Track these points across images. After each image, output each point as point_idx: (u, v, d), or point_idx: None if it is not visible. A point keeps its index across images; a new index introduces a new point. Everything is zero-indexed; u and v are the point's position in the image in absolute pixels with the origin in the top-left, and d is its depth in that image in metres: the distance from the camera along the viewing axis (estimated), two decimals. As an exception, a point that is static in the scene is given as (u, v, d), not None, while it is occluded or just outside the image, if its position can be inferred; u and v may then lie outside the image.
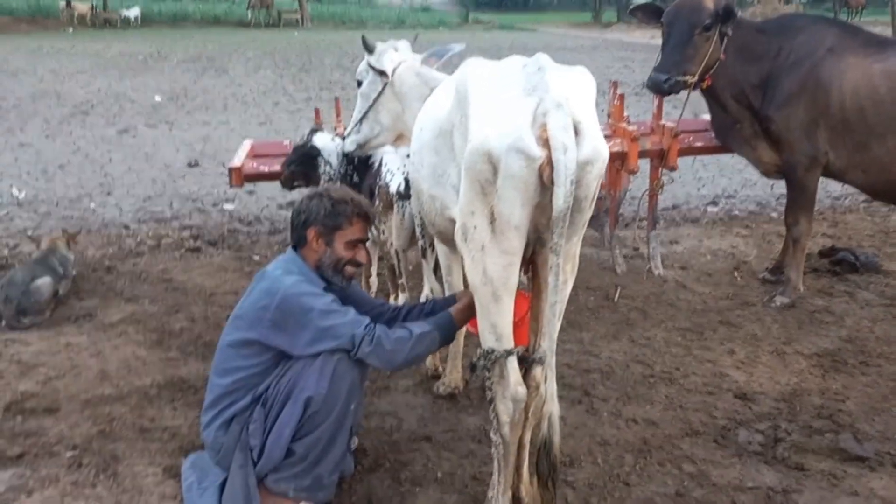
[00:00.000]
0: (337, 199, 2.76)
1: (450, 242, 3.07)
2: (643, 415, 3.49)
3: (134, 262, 5.46)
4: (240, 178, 4.42)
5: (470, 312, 2.69)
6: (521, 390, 2.50)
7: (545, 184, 2.31)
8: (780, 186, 5.65)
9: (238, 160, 4.50)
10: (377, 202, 3.71)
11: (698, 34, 4.21)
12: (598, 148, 2.34)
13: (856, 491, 2.92)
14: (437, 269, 3.70)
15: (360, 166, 4.01)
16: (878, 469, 3.06)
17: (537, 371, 2.56)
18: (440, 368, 3.77)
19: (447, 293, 3.41)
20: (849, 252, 5.27)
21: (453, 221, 2.69)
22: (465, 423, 3.40)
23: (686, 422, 3.42)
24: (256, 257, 5.60)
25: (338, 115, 5.06)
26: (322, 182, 4.04)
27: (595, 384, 3.77)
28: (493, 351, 2.50)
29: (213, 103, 13.26)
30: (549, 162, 2.26)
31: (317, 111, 5.05)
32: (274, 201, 7.27)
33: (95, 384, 3.71)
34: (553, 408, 2.48)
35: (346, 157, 4.00)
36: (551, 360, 2.45)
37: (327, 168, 4.03)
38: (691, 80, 4.32)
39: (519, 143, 2.27)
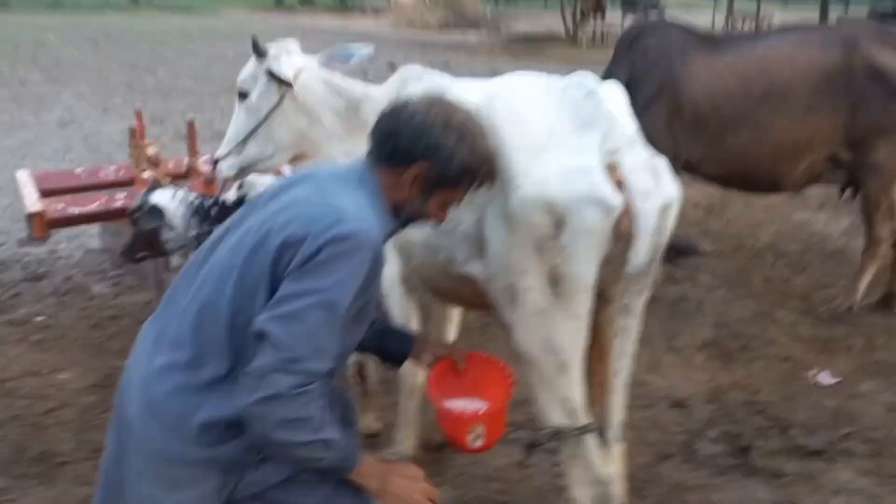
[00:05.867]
0: (477, 150, 1.76)
1: (449, 298, 2.54)
2: (600, 444, 3.26)
3: None
4: (44, 227, 3.34)
5: None
6: (607, 472, 2.11)
7: (619, 235, 1.94)
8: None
9: (34, 203, 3.39)
10: None
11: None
12: (676, 188, 2.02)
13: (836, 489, 2.98)
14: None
15: (230, 211, 3.19)
16: (838, 460, 3.16)
17: (616, 450, 2.19)
18: (373, 428, 3.21)
19: None
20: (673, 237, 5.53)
21: (466, 279, 2.21)
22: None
23: (648, 443, 3.26)
24: (40, 318, 4.39)
25: (141, 133, 4.08)
26: (168, 249, 3.16)
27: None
28: (561, 430, 2.08)
29: None
30: (628, 211, 1.90)
31: (138, 115, 3.96)
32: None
33: None
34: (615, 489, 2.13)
35: (200, 213, 3.15)
36: (614, 434, 2.09)
37: (170, 234, 3.13)
38: None
39: (595, 192, 1.90)
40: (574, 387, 2.09)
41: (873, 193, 4.26)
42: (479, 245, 2.14)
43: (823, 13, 26.99)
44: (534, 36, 22.54)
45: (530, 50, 19.20)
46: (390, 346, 2.05)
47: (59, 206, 3.43)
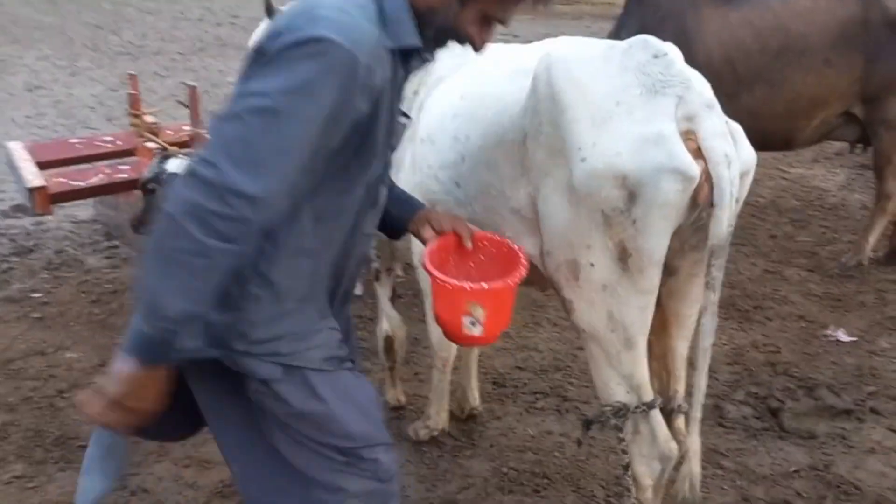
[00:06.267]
0: None
1: None
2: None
3: None
4: (46, 201, 3.17)
5: None
6: (673, 447, 2.06)
7: (695, 205, 1.86)
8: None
9: (35, 176, 3.22)
10: None
11: None
12: (752, 153, 1.94)
13: (868, 448, 2.99)
14: (394, 297, 3.02)
15: None
16: (867, 419, 3.17)
17: (679, 422, 2.14)
18: (401, 400, 3.16)
19: (429, 317, 2.79)
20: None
21: None
22: (481, 474, 2.85)
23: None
24: (37, 294, 4.22)
25: (135, 96, 3.88)
26: None
27: (537, 378, 3.42)
28: (624, 405, 2.02)
29: None
30: (708, 179, 1.81)
31: (133, 77, 3.75)
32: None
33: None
34: (695, 468, 2.08)
35: None
36: (697, 412, 2.03)
37: None
38: None
39: (674, 162, 1.78)
40: (639, 363, 2.01)
41: (886, 149, 4.24)
42: (531, 221, 2.05)
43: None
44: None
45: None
46: (391, 210, 1.80)
47: (61, 180, 3.26)
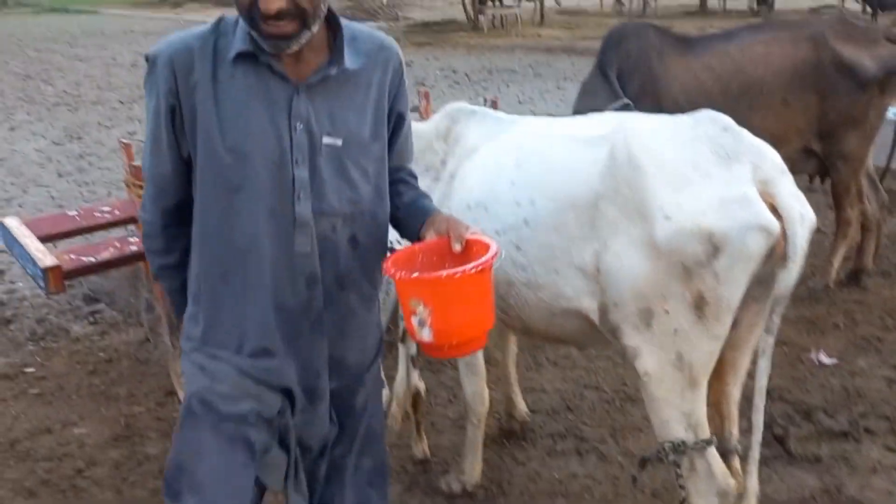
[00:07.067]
0: None
1: (545, 336, 2.58)
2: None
3: None
4: (60, 280, 3.14)
5: None
6: (731, 482, 2.22)
7: (769, 259, 2.08)
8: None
9: (45, 255, 3.19)
10: None
11: None
12: (813, 214, 2.15)
13: (871, 468, 3.20)
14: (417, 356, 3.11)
15: None
16: (863, 439, 3.37)
17: (734, 463, 2.29)
18: (427, 453, 3.24)
19: (465, 373, 2.91)
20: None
21: (572, 313, 2.27)
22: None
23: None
24: (31, 369, 4.12)
25: (137, 168, 3.84)
26: None
27: (551, 420, 3.54)
28: (683, 442, 2.18)
29: None
30: (783, 236, 2.04)
31: (127, 147, 3.72)
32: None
33: None
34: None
35: None
36: (755, 452, 2.19)
37: None
38: None
39: (759, 220, 2.01)
40: (700, 401, 2.19)
41: (843, 180, 4.55)
42: (593, 277, 2.21)
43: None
44: (434, 23, 22.59)
45: (434, 37, 19.22)
46: (408, 221, 1.91)
47: (71, 256, 3.24)
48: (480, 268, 1.59)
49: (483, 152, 2.58)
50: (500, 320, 2.59)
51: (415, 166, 2.58)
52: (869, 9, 21.20)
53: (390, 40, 1.89)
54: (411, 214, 1.92)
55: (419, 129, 2.75)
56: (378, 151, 1.84)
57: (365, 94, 1.79)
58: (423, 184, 2.54)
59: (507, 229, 2.37)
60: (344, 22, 1.78)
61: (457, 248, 1.74)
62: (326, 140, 1.74)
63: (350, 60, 1.74)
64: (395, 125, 1.91)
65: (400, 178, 1.99)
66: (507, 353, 3.30)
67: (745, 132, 2.15)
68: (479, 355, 2.90)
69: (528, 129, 2.57)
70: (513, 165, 2.43)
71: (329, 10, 1.72)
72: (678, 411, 2.18)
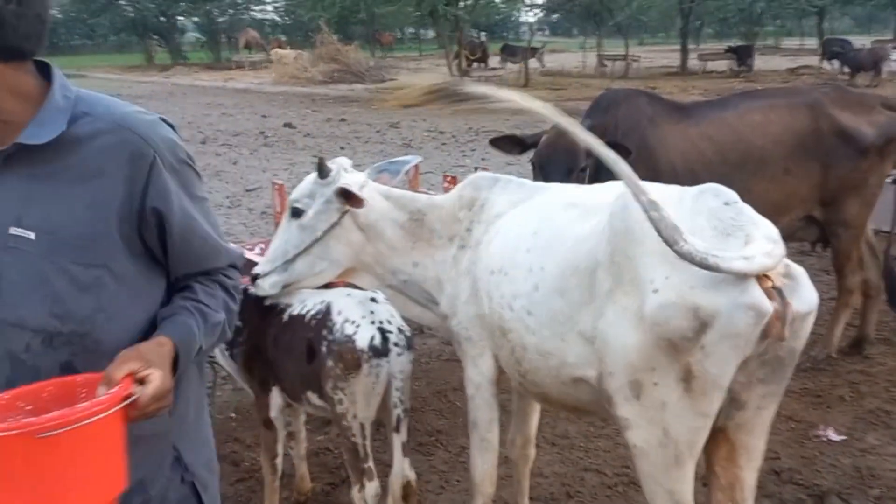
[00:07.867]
0: None
1: (557, 404, 2.51)
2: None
3: None
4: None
5: None
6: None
7: (765, 339, 1.93)
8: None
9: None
10: (329, 363, 2.73)
11: (574, 176, 4.06)
12: (815, 294, 2.03)
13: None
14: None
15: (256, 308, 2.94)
16: (880, 520, 3.22)
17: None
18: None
19: (478, 449, 2.75)
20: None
21: (577, 381, 2.25)
22: None
23: None
24: None
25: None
26: None
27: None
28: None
29: None
30: (778, 316, 1.89)
31: None
32: None
33: None
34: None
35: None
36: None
37: None
38: None
39: (748, 298, 1.86)
40: (685, 481, 2.07)
41: (844, 247, 4.46)
42: (592, 345, 2.14)
43: (683, 49, 28.86)
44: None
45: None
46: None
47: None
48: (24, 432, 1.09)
49: (506, 219, 2.60)
50: (518, 384, 2.56)
51: (438, 238, 2.70)
52: (847, 69, 21.74)
53: (149, 124, 1.52)
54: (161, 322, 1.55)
55: (440, 202, 2.83)
56: (111, 259, 1.46)
57: (88, 183, 1.43)
58: (450, 252, 2.72)
59: (520, 295, 2.37)
60: (80, 91, 1.47)
61: (100, 390, 1.31)
62: (14, 231, 1.40)
63: (66, 135, 1.39)
64: (160, 226, 1.52)
65: (187, 286, 1.62)
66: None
67: (746, 207, 2.05)
68: (495, 429, 2.73)
69: (548, 197, 2.57)
70: (530, 233, 2.43)
71: (47, 66, 1.42)
72: (662, 488, 2.09)
